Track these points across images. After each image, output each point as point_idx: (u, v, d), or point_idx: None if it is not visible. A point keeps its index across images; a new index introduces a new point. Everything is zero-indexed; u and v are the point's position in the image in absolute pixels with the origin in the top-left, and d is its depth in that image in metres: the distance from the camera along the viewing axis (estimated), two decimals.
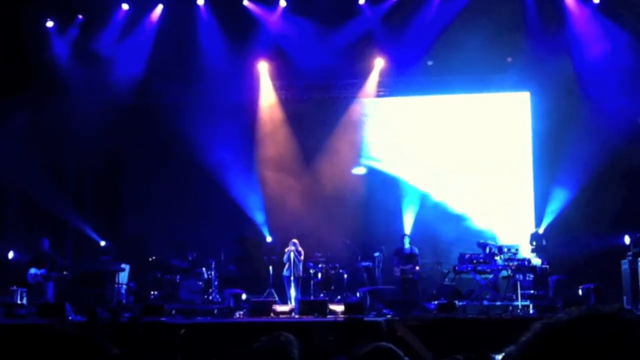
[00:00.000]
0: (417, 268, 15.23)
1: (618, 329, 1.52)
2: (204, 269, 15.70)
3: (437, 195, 17.71)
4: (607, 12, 15.83)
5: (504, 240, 15.97)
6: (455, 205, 17.62)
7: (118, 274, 15.73)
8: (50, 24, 17.23)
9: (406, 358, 3.27)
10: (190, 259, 16.06)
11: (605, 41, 15.77)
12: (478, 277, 14.73)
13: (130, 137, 18.47)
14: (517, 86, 17.60)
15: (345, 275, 15.70)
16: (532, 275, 14.50)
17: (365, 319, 12.03)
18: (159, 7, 17.20)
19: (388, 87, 17.98)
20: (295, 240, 15.63)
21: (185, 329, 10.50)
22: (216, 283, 15.76)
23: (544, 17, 16.28)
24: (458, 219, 17.49)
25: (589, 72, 15.84)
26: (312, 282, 15.64)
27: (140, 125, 18.40)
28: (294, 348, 3.16)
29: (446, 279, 15.16)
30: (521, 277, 14.17)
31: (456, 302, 13.37)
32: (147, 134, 18.28)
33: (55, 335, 1.98)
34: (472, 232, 17.03)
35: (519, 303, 13.50)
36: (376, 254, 15.87)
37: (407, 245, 15.35)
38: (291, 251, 15.44)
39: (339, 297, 15.16)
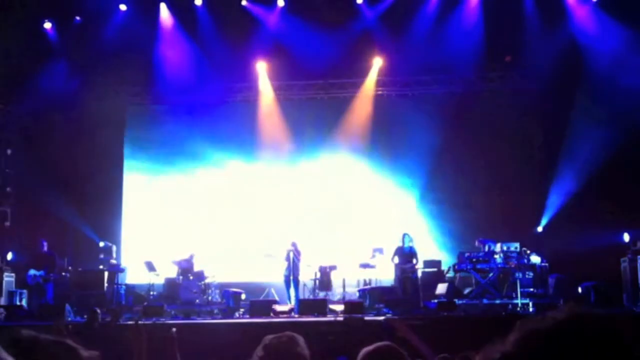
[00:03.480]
0: (417, 267, 15.22)
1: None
2: (203, 269, 15.70)
3: (437, 193, 17.70)
4: (607, 8, 15.82)
5: (503, 238, 15.96)
6: (454, 202, 17.62)
7: (118, 275, 15.73)
8: (48, 25, 17.22)
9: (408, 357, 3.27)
10: (189, 259, 16.04)
11: (605, 37, 15.76)
12: (478, 275, 14.72)
13: (131, 137, 18.53)
14: (516, 85, 17.59)
15: (345, 275, 15.71)
16: (531, 274, 14.50)
17: (365, 318, 12.03)
18: (163, 7, 17.22)
19: (387, 86, 17.99)
20: (294, 241, 15.61)
21: (176, 327, 10.48)
22: (216, 283, 15.74)
23: (543, 14, 16.28)
24: (457, 217, 17.49)
25: (589, 69, 15.82)
26: (311, 282, 15.65)
27: (140, 125, 18.52)
28: (302, 345, 3.16)
29: (446, 278, 15.15)
30: (521, 275, 14.16)
31: (456, 300, 13.36)
32: (148, 133, 18.40)
33: (23, 340, 1.96)
34: (471, 230, 17.01)
35: (519, 301, 13.48)
36: (375, 253, 15.84)
37: (406, 244, 15.33)
38: (290, 251, 15.43)
39: (338, 296, 15.16)
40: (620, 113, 15.23)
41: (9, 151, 17.18)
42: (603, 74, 15.38)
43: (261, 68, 17.95)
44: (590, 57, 15.80)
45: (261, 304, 13.81)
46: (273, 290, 15.60)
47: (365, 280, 15.54)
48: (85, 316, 12.42)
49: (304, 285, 15.66)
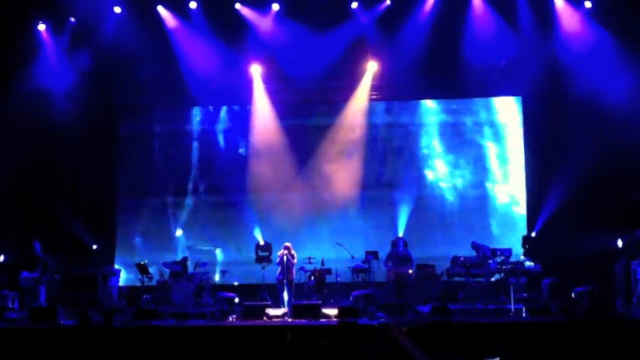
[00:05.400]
0: (411, 271, 15.23)
1: None
2: (197, 271, 15.65)
3: (431, 197, 17.74)
4: (598, 17, 15.91)
5: (497, 243, 15.98)
6: (448, 206, 17.67)
7: (110, 277, 15.69)
8: (42, 26, 17.17)
9: None
10: (182, 261, 16.01)
11: (596, 45, 15.86)
12: (471, 280, 14.72)
13: (124, 139, 18.50)
14: (508, 90, 17.65)
15: (339, 279, 15.70)
16: (525, 279, 14.52)
17: (359, 322, 12.00)
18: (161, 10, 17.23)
19: (381, 91, 17.99)
20: (288, 244, 15.60)
21: (168, 331, 10.44)
22: (209, 286, 15.70)
23: (535, 21, 16.36)
24: (451, 222, 17.52)
25: (580, 76, 15.89)
26: (305, 286, 15.63)
27: (133, 127, 18.51)
28: None
29: (440, 282, 15.16)
30: (514, 280, 14.16)
31: (449, 305, 13.34)
32: (140, 135, 18.37)
33: None
34: (465, 234, 17.03)
35: (512, 306, 13.49)
36: (370, 257, 15.83)
37: (401, 248, 15.35)
38: (284, 255, 15.42)
39: (332, 300, 15.13)
40: (610, 117, 15.34)
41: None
42: (592, 79, 15.49)
43: (255, 71, 17.92)
44: (580, 62, 15.90)
45: (254, 307, 13.76)
46: (266, 294, 15.56)
47: (359, 284, 15.51)
48: (77, 319, 12.37)
49: (298, 288, 15.64)
